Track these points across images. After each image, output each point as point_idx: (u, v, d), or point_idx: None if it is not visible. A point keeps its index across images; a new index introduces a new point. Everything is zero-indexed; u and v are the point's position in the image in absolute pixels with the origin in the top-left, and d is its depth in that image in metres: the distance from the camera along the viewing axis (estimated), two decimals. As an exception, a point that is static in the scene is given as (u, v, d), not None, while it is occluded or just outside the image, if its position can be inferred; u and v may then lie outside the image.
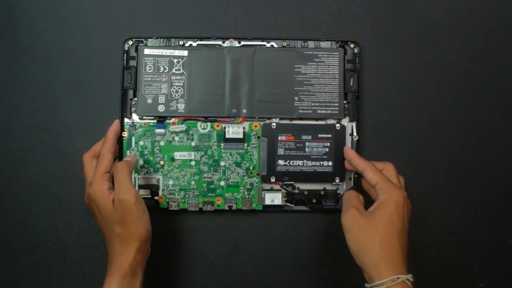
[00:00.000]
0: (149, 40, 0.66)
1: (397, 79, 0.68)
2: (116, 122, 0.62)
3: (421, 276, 0.65)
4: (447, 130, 0.68)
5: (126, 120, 0.65)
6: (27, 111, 0.67)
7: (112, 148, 0.59)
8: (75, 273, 0.66)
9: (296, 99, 0.65)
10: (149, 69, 0.65)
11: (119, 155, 0.64)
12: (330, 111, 0.65)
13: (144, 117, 0.65)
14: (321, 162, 0.65)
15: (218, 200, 0.64)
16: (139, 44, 0.66)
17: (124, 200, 0.55)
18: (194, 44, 0.66)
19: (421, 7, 0.69)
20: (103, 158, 0.58)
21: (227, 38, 0.66)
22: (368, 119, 0.67)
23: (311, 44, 0.67)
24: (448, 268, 0.67)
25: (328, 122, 0.65)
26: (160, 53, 0.65)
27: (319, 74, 0.65)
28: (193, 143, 0.65)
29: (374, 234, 0.54)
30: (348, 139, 0.65)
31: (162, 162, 0.65)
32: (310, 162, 0.65)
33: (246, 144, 0.65)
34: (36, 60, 0.68)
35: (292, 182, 0.65)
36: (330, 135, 0.65)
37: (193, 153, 0.65)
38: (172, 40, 0.66)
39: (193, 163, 0.65)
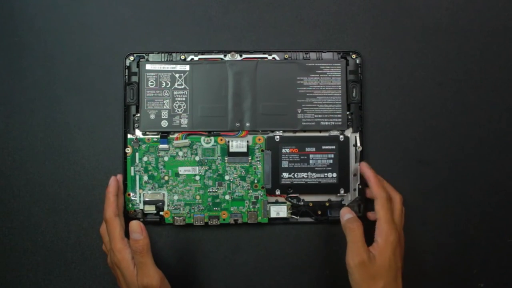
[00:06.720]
0: (150, 55, 0.65)
1: (398, 78, 0.68)
2: (113, 180, 0.61)
3: (421, 276, 0.67)
4: (447, 130, 0.68)
5: (129, 136, 0.65)
6: (27, 111, 0.67)
7: (116, 211, 0.58)
8: (75, 273, 0.66)
9: (299, 111, 0.65)
10: (151, 85, 0.64)
11: (124, 173, 0.65)
12: (333, 123, 0.65)
13: (147, 133, 0.65)
14: (326, 174, 0.65)
15: (224, 214, 0.65)
16: (141, 60, 0.65)
17: (148, 286, 0.55)
18: (196, 58, 0.65)
19: (421, 7, 0.69)
20: (112, 224, 0.57)
21: (229, 51, 0.65)
22: (371, 129, 0.67)
23: (312, 55, 0.66)
24: (448, 268, 0.68)
25: (331, 134, 0.65)
26: (161, 68, 0.64)
27: (321, 86, 0.65)
28: (197, 158, 0.65)
29: (378, 280, 0.56)
30: (352, 150, 0.66)
31: (166, 178, 0.65)
32: (314, 174, 0.65)
33: (250, 158, 0.65)
34: (36, 60, 0.67)
35: (297, 195, 0.66)
36: (334, 147, 0.65)
37: (197, 167, 0.65)
38: (174, 54, 0.65)
39: (197, 177, 0.65)
